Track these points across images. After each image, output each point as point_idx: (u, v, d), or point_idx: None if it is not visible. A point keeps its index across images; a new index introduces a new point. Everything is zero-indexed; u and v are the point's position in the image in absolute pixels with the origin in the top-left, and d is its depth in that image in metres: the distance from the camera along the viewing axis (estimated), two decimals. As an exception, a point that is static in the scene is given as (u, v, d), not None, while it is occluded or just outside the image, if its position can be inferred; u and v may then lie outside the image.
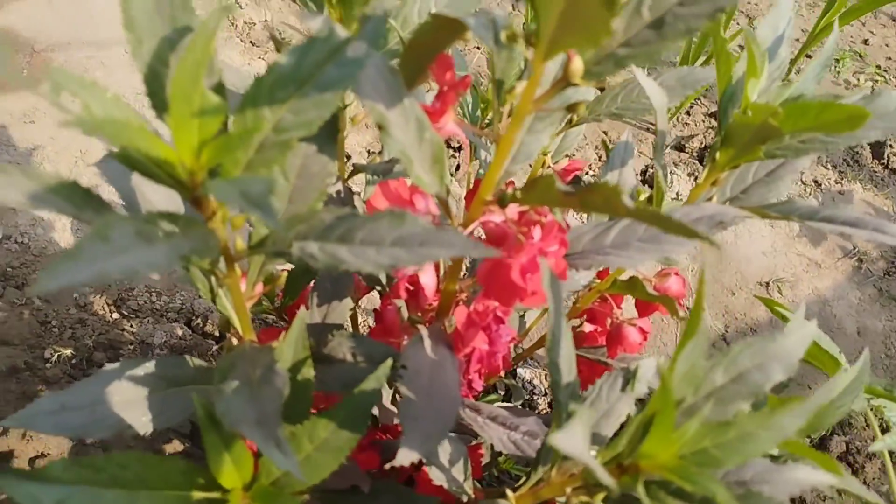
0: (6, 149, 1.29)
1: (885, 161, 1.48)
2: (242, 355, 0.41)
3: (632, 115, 0.72)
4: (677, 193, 1.29)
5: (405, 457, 0.38)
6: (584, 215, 1.15)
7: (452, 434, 0.66)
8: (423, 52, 0.41)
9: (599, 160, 1.39)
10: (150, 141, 0.28)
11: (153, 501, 0.34)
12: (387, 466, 0.38)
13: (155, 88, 0.32)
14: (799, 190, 1.46)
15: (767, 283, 1.29)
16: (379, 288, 0.60)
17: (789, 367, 0.36)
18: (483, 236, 0.49)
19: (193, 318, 1.17)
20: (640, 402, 0.50)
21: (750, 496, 0.34)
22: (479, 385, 0.59)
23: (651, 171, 1.36)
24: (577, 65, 0.37)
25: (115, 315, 1.16)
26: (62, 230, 1.22)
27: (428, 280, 0.47)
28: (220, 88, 0.33)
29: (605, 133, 1.45)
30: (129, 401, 0.46)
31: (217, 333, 1.17)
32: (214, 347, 1.12)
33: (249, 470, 0.37)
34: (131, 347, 1.12)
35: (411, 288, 0.52)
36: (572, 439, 0.28)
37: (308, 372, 0.40)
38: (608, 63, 0.37)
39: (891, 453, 1.22)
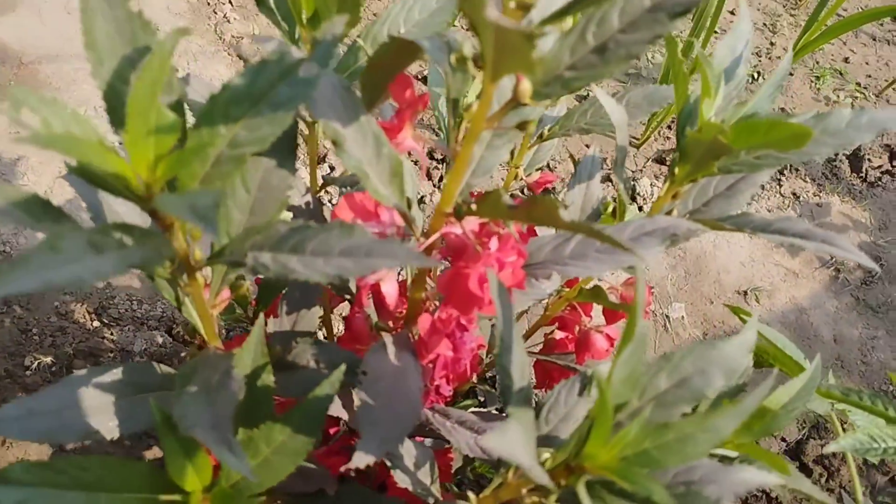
0: (-9, 159, 1.30)
1: (863, 174, 1.51)
2: (204, 361, 0.42)
3: (600, 130, 0.74)
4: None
5: (360, 459, 0.39)
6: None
7: (424, 439, 0.67)
8: (383, 72, 0.43)
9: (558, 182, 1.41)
10: (105, 156, 0.30)
11: (114, 503, 0.35)
12: (342, 469, 0.40)
13: (115, 105, 0.33)
14: (777, 202, 1.48)
15: (745, 292, 1.31)
16: (349, 297, 0.62)
17: (730, 373, 0.38)
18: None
19: (174, 325, 1.18)
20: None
21: (690, 495, 0.35)
22: (446, 391, 0.60)
23: (633, 182, 1.38)
24: (525, 86, 0.38)
25: (96, 323, 1.16)
26: (45, 239, 1.22)
27: (389, 289, 0.48)
28: (178, 105, 0.34)
29: (587, 146, 1.47)
30: (97, 406, 0.47)
31: (197, 341, 1.18)
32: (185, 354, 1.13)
33: (208, 473, 0.38)
34: (111, 355, 1.13)
35: (371, 297, 0.53)
36: (504, 441, 0.29)
37: (268, 378, 0.41)
38: (556, 85, 0.38)
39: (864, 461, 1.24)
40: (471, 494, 0.50)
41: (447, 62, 0.40)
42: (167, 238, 0.34)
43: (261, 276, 0.62)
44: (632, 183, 1.38)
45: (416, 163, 0.50)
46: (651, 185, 1.38)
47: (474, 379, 0.73)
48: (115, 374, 0.48)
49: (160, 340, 1.15)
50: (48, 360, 1.09)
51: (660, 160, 1.47)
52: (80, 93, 1.42)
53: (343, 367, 0.40)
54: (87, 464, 0.35)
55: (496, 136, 0.47)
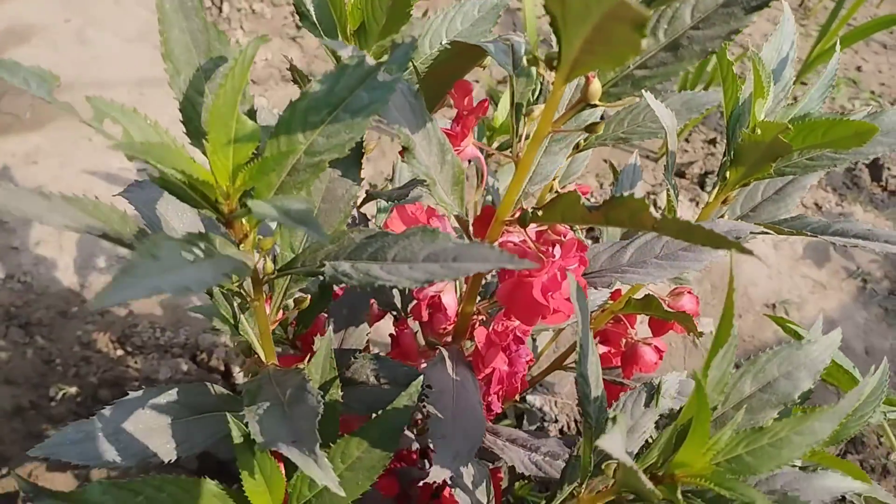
0: (11, 189, 1.29)
1: (883, 183, 1.51)
2: (268, 378, 0.41)
3: (638, 139, 0.73)
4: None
5: (437, 474, 0.38)
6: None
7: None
8: (443, 78, 0.42)
9: (601, 187, 1.40)
10: (190, 163, 0.29)
11: (187, 526, 0.34)
12: (421, 483, 0.38)
13: (191, 115, 0.33)
14: (800, 212, 1.48)
15: (774, 305, 1.30)
16: (395, 313, 0.61)
17: (815, 375, 0.37)
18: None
19: (198, 352, 1.16)
20: (663, 419, 0.50)
21: (786, 501, 0.34)
22: (497, 407, 0.59)
23: (653, 196, 1.37)
24: (596, 86, 0.38)
25: (120, 352, 1.15)
26: (65, 269, 1.22)
27: (449, 300, 0.47)
28: (252, 114, 0.34)
29: (604, 160, 1.46)
30: (153, 428, 0.46)
31: (222, 367, 1.16)
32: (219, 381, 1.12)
33: (281, 492, 0.37)
34: (136, 384, 1.11)
35: (429, 311, 0.52)
36: (616, 443, 0.28)
37: (336, 393, 0.40)
38: (626, 84, 0.38)
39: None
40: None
41: (511, 65, 0.40)
42: (243, 249, 0.34)
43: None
44: (653, 197, 1.38)
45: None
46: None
47: (517, 398, 0.72)
48: (171, 395, 0.47)
49: (185, 368, 1.14)
50: (73, 390, 1.07)
51: (679, 174, 1.47)
52: (97, 122, 1.42)
53: (419, 380, 0.39)
54: (161, 484, 0.33)
55: (553, 142, 0.47)
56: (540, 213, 0.41)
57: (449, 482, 0.51)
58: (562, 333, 1.15)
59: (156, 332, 1.18)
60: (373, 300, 0.64)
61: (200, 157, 0.32)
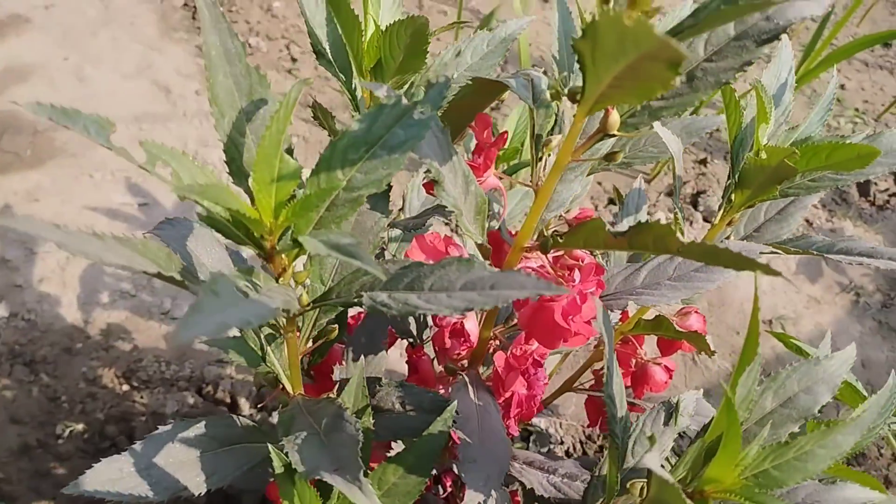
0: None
1: (871, 198, 1.54)
2: (299, 409, 0.42)
3: (640, 164, 0.76)
4: (675, 238, 1.32)
5: (472, 499, 0.39)
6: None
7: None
8: (464, 112, 0.44)
9: (596, 209, 1.42)
10: (238, 202, 0.30)
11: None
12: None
13: (234, 156, 0.34)
14: (802, 232, 1.51)
15: (770, 321, 1.32)
16: (411, 340, 0.62)
17: (833, 389, 0.38)
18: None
19: (204, 385, 1.16)
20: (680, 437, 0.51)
21: (814, 515, 0.35)
22: (514, 430, 0.59)
23: (648, 216, 1.39)
24: (615, 118, 0.39)
25: (125, 387, 1.15)
26: (68, 305, 1.22)
27: (472, 326, 0.48)
28: (290, 152, 0.35)
29: (598, 183, 1.49)
30: (183, 462, 0.46)
31: (228, 399, 1.16)
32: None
33: (322, 521, 0.37)
34: (143, 419, 1.11)
35: (450, 340, 0.53)
36: (655, 460, 0.29)
37: (368, 420, 0.41)
38: (643, 115, 0.40)
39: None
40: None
41: (531, 99, 0.41)
42: (283, 283, 0.35)
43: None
44: (647, 217, 1.40)
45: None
46: (666, 218, 1.40)
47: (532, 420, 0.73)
48: (199, 428, 0.48)
49: (191, 401, 1.14)
50: (80, 427, 1.07)
51: (669, 193, 1.49)
52: (96, 157, 1.43)
53: (454, 405, 0.40)
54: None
55: (569, 170, 0.48)
56: (561, 239, 0.42)
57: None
58: (568, 357, 1.16)
59: (161, 365, 1.18)
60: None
61: (242, 196, 0.34)
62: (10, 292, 1.19)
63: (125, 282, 1.26)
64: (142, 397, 1.13)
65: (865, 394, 0.67)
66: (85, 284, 1.23)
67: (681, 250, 0.33)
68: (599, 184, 1.49)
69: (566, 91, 0.37)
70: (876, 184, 1.57)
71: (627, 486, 0.44)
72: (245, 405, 1.15)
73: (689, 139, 0.73)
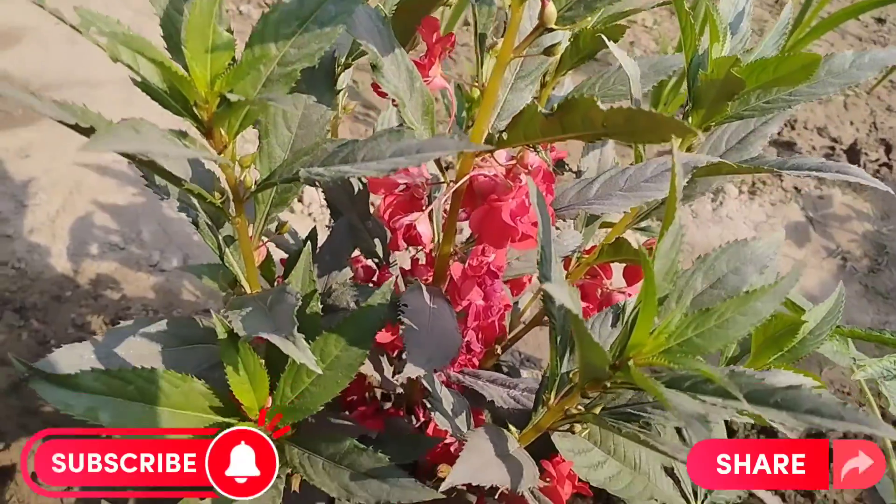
0: (3, 182, 1.32)
1: (860, 166, 1.55)
2: (251, 297, 0.44)
3: (609, 101, 0.77)
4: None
5: (411, 371, 0.40)
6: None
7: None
8: (411, 15, 0.45)
9: (569, 156, 1.43)
10: (166, 59, 0.32)
11: (175, 420, 0.36)
12: (397, 379, 0.41)
13: (170, 32, 0.35)
14: (780, 196, 1.51)
15: (753, 280, 1.32)
16: (376, 260, 0.63)
17: (761, 269, 0.39)
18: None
19: (191, 335, 1.18)
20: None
21: (734, 375, 0.36)
22: (477, 347, 0.61)
23: (617, 161, 1.41)
24: (552, 9, 0.41)
25: (114, 335, 1.17)
26: (58, 255, 1.24)
27: (424, 229, 0.50)
28: (229, 31, 0.36)
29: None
30: (144, 355, 0.48)
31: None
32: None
33: (265, 389, 0.39)
34: (131, 366, 1.13)
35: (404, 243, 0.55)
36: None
37: (315, 306, 0.43)
38: (579, 7, 0.41)
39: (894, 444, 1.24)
40: (511, 427, 0.51)
41: (474, -4, 0.42)
42: (224, 157, 0.36)
43: (285, 257, 0.63)
44: (617, 161, 1.41)
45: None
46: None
47: (499, 350, 0.74)
48: (161, 325, 0.50)
49: (178, 348, 1.16)
50: (68, 370, 1.09)
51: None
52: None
53: (393, 278, 0.41)
54: (152, 377, 0.36)
55: (519, 79, 0.50)
56: (504, 134, 0.44)
57: (428, 404, 0.54)
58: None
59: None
60: (357, 254, 0.66)
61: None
62: (1, 242, 1.21)
63: (114, 235, 1.28)
64: (129, 345, 1.15)
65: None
66: (74, 236, 1.25)
67: (605, 122, 0.35)
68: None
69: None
70: (866, 154, 1.58)
71: (570, 375, 0.46)
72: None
73: (656, 77, 0.74)
